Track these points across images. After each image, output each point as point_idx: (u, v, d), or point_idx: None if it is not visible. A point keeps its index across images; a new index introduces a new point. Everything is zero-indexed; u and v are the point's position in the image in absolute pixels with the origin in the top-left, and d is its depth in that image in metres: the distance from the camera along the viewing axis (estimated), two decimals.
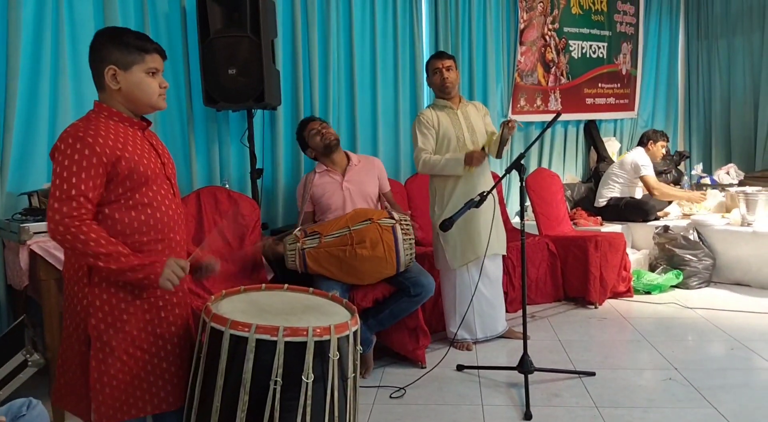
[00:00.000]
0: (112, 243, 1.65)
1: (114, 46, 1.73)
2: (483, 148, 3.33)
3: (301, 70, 4.02)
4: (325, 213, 3.32)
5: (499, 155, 3.27)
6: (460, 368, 3.16)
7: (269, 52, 3.42)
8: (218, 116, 3.70)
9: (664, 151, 5.39)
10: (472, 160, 3.27)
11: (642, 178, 5.16)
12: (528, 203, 4.56)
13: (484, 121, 3.57)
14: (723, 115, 6.93)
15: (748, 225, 4.59)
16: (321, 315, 1.86)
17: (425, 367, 3.17)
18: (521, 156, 2.90)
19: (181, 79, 3.56)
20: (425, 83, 4.67)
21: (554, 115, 3.09)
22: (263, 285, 2.13)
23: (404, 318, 3.15)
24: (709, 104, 7.02)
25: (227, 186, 3.54)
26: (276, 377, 1.65)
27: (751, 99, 6.66)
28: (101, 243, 1.63)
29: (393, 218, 3.03)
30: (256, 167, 3.67)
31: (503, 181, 3.89)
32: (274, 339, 1.65)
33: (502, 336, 3.57)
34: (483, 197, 2.89)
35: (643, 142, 5.35)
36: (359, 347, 1.88)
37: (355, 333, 1.83)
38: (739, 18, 6.70)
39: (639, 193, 5.29)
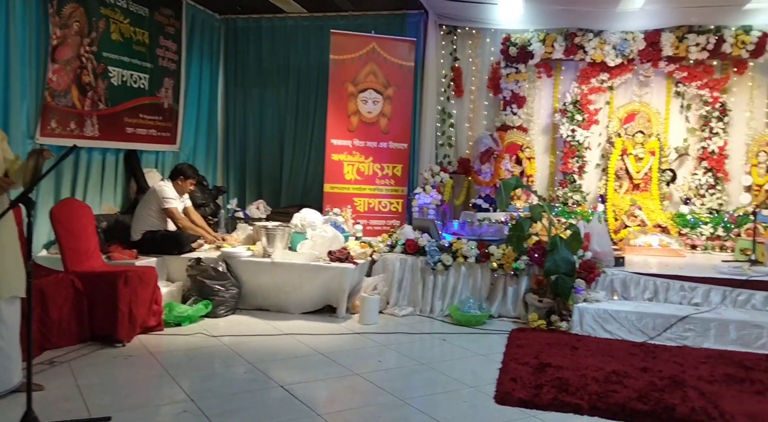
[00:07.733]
0: None
1: None
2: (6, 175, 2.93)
3: None
4: None
5: (29, 185, 2.92)
6: None
7: None
8: None
9: (192, 187, 5.64)
10: None
11: (166, 211, 5.29)
12: (53, 237, 4.16)
13: (1, 147, 3.13)
14: (255, 156, 7.75)
15: (269, 256, 5.19)
16: None
17: None
18: (29, 189, 2.64)
19: None
20: None
21: (71, 147, 2.91)
22: None
23: None
24: (245, 145, 7.76)
25: None
26: None
27: (278, 144, 7.65)
28: None
29: None
30: None
31: (22, 215, 3.49)
32: None
33: (17, 390, 3.14)
34: None
35: (173, 176, 5.47)
36: None
37: None
38: (269, 74, 7.63)
39: (173, 225, 5.41)
